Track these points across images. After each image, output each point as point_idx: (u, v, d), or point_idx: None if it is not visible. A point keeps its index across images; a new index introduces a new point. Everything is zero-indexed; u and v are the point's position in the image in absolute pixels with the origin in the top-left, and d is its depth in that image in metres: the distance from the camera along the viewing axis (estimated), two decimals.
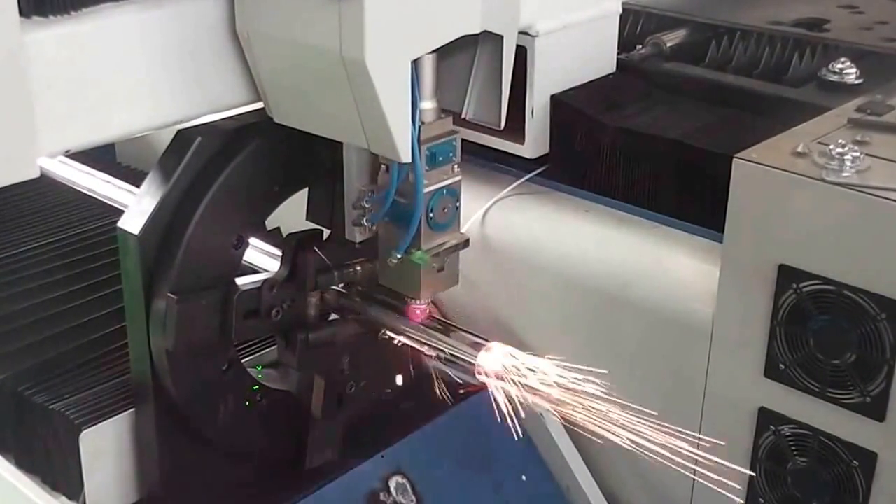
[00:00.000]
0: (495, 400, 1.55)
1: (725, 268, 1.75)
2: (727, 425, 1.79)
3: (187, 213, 1.60)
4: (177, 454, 1.73)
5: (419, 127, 1.53)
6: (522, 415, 1.53)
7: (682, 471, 1.48)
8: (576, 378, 1.51)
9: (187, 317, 1.60)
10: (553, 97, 2.11)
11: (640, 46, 2.34)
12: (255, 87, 1.58)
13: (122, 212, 1.64)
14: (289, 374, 1.81)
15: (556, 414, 1.53)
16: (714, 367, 1.80)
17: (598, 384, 1.49)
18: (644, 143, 2.04)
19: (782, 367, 1.70)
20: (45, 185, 2.48)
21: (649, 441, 1.48)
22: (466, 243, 1.66)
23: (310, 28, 1.41)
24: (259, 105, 1.60)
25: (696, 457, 1.49)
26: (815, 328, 1.65)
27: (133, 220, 1.60)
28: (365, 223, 1.63)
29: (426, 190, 1.57)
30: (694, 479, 1.86)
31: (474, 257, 1.90)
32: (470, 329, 1.65)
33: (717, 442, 1.53)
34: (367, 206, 1.61)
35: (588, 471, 2.03)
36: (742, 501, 1.79)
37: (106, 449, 1.73)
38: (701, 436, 1.54)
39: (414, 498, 1.86)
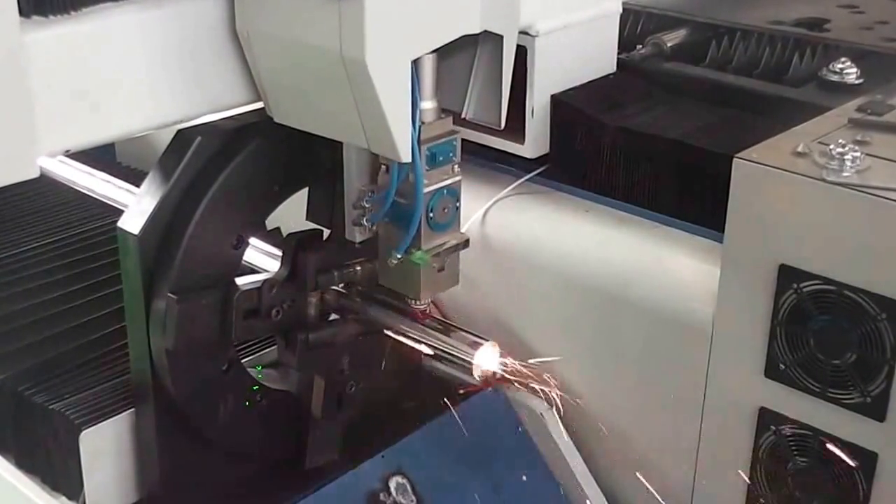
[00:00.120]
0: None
1: (726, 268, 1.74)
2: (727, 425, 1.79)
3: (187, 213, 1.60)
4: (177, 454, 1.73)
5: (419, 127, 1.53)
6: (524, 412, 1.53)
7: (682, 471, 1.48)
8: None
9: (187, 317, 1.60)
10: (553, 97, 2.10)
11: (641, 46, 2.34)
12: (254, 86, 1.58)
13: (122, 212, 1.64)
14: (289, 374, 1.81)
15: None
16: (714, 367, 1.80)
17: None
18: (644, 143, 2.04)
19: (783, 367, 1.69)
20: (45, 185, 2.47)
21: None
22: (466, 243, 1.66)
23: (310, 28, 1.41)
24: (259, 105, 1.60)
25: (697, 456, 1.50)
26: (816, 328, 1.64)
27: (133, 220, 1.60)
28: (365, 223, 1.63)
29: (426, 190, 1.57)
30: (694, 479, 1.87)
31: (474, 257, 1.90)
32: (470, 329, 1.65)
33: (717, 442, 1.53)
34: (367, 206, 1.61)
35: (588, 471, 2.03)
36: (742, 502, 1.79)
37: (106, 449, 1.72)
38: (701, 436, 1.54)
39: (414, 498, 1.86)
